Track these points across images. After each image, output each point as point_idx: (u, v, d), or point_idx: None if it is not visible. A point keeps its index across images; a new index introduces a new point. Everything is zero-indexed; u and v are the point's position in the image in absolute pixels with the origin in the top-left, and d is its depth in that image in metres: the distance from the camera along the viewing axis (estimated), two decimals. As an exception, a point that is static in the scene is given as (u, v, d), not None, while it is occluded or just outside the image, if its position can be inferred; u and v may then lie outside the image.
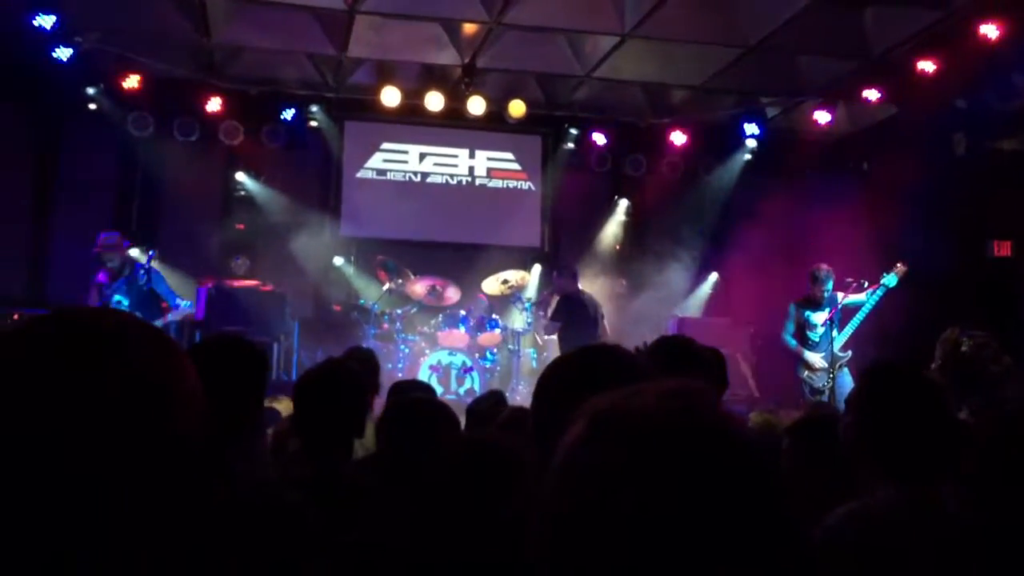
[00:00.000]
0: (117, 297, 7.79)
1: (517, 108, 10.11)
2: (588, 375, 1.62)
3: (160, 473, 0.94)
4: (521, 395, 8.28)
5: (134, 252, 8.78)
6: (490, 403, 4.33)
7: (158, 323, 7.76)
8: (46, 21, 8.03)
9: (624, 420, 0.87)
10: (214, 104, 9.83)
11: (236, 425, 2.22)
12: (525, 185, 11.30)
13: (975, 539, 1.99)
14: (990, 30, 7.52)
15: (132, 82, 9.35)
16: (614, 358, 1.70)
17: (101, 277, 7.95)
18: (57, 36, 8.36)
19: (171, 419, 0.96)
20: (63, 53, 8.56)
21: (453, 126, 10.65)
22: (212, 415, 2.12)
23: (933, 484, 2.15)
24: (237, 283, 9.63)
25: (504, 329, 9.44)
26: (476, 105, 9.90)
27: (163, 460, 0.95)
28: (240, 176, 10.41)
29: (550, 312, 8.82)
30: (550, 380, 1.71)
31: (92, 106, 9.58)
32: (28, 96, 9.44)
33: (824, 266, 8.22)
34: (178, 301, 7.96)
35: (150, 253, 8.32)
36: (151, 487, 0.93)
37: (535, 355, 9.60)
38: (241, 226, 10.40)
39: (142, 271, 7.90)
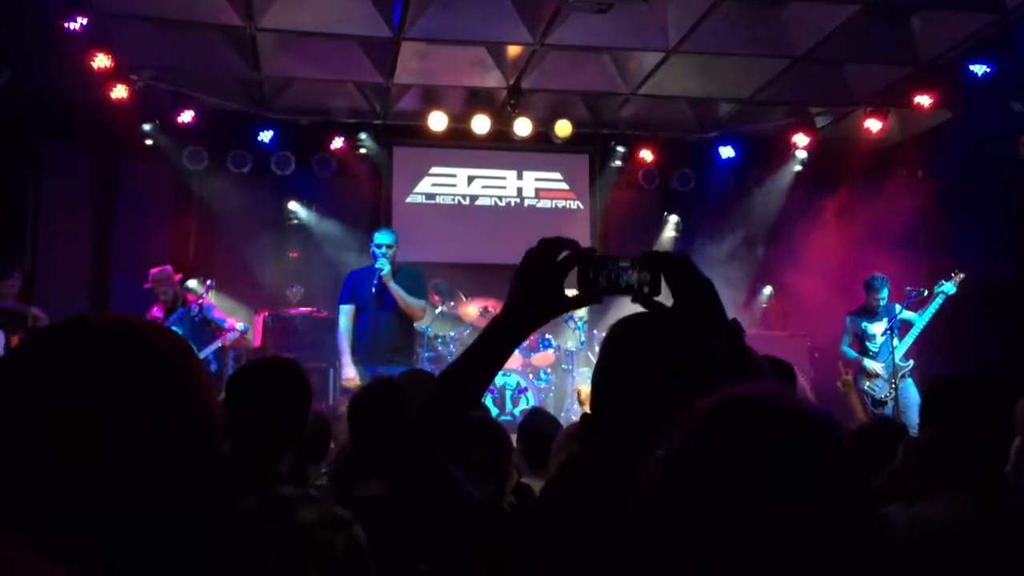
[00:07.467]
0: (172, 328, 7.97)
1: (563, 128, 10.14)
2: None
3: (173, 455, 1.05)
4: (576, 414, 8.24)
5: (192, 283, 9.00)
6: (543, 420, 4.32)
7: (211, 347, 7.99)
8: (103, 62, 8.27)
9: (756, 410, 0.92)
10: (266, 136, 10.03)
11: (281, 441, 2.29)
12: (574, 204, 11.31)
13: None
14: (1044, 30, 7.38)
15: (186, 117, 9.55)
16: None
17: (156, 311, 8.20)
18: (114, 75, 8.60)
19: (184, 403, 1.07)
20: (120, 91, 8.80)
21: (500, 148, 10.71)
22: (257, 431, 2.19)
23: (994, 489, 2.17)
24: (292, 311, 9.79)
25: (557, 349, 9.43)
26: (522, 126, 9.96)
27: (177, 442, 1.05)
28: (293, 205, 10.58)
29: None
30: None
31: (148, 142, 9.82)
32: (87, 134, 9.72)
33: (879, 274, 8.12)
34: (230, 323, 8.20)
35: (208, 283, 8.56)
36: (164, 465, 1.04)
37: (589, 375, 9.53)
38: (295, 254, 10.59)
39: (196, 303, 8.13)
